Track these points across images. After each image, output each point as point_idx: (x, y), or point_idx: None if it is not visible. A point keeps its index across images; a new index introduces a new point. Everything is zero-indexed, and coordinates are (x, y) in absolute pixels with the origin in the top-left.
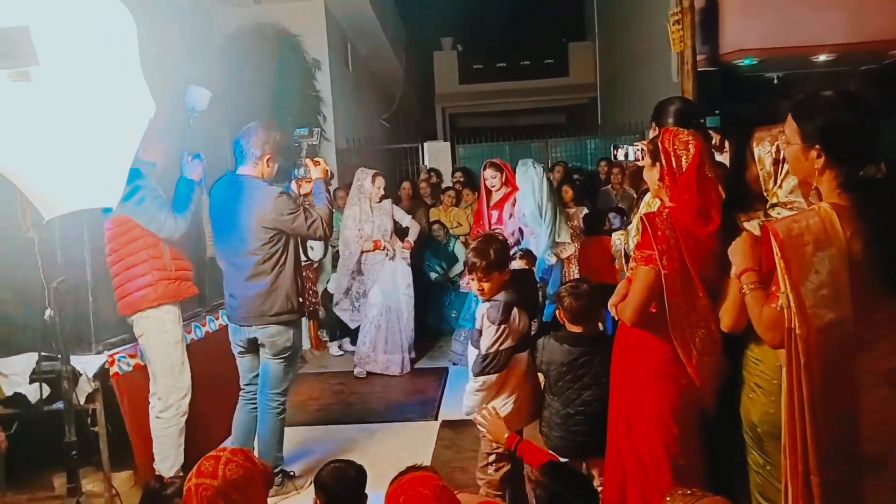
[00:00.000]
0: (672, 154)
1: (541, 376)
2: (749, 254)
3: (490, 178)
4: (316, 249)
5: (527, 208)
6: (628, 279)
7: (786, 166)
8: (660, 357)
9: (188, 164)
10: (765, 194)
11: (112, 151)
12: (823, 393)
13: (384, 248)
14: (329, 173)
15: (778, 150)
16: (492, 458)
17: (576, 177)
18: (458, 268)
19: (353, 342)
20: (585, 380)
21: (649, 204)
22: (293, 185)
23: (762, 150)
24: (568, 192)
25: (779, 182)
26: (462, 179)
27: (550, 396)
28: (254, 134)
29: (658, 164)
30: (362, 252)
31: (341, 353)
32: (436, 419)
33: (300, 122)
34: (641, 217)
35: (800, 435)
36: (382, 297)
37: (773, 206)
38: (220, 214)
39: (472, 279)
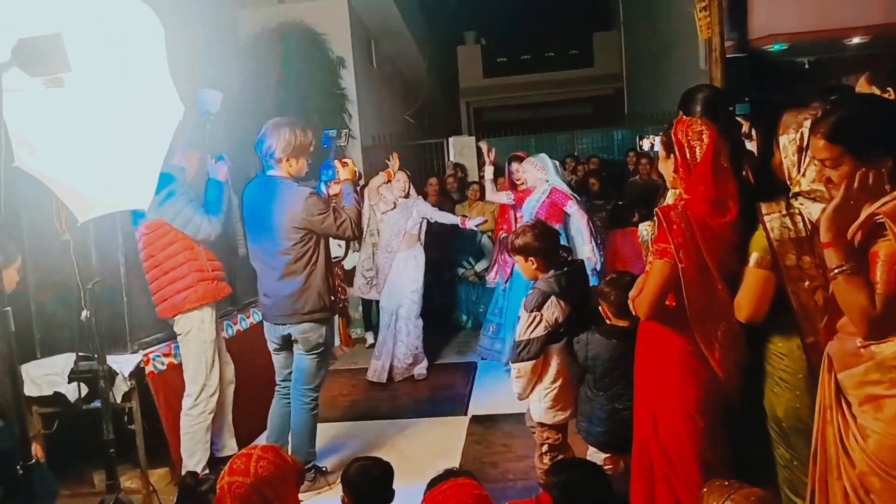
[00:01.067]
0: (686, 145)
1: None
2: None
3: (515, 171)
4: (342, 247)
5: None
6: (645, 273)
7: (809, 154)
8: (682, 351)
9: (213, 165)
10: (788, 183)
11: (143, 154)
12: None
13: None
14: (357, 174)
15: (802, 138)
16: (545, 447)
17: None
18: (485, 262)
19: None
20: (632, 374)
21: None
22: (323, 186)
23: (787, 138)
24: (595, 184)
25: (802, 171)
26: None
27: (594, 392)
28: (269, 137)
29: (672, 155)
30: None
31: (373, 343)
32: (465, 414)
33: (326, 119)
34: (656, 211)
35: None
36: (388, 300)
37: (796, 195)
38: (253, 215)
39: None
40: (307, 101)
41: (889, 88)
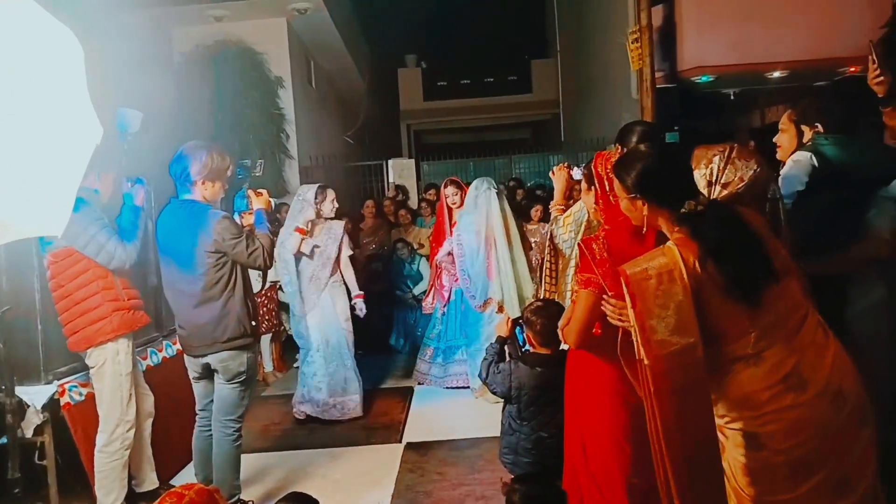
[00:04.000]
0: (605, 177)
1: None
2: None
3: (451, 195)
4: (278, 269)
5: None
6: (572, 302)
7: (717, 188)
8: (609, 378)
9: (129, 189)
10: None
11: (57, 178)
12: (679, 417)
13: (307, 235)
14: (271, 204)
15: (712, 172)
16: None
17: (539, 193)
18: (423, 286)
19: None
20: (559, 402)
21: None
22: (237, 217)
23: (698, 172)
24: (538, 212)
25: None
26: (436, 196)
27: (518, 423)
28: (185, 158)
29: (593, 187)
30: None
31: None
32: (399, 442)
33: (263, 139)
34: (578, 243)
35: (658, 460)
36: (319, 331)
37: None
38: (166, 241)
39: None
40: (243, 121)
41: (817, 124)
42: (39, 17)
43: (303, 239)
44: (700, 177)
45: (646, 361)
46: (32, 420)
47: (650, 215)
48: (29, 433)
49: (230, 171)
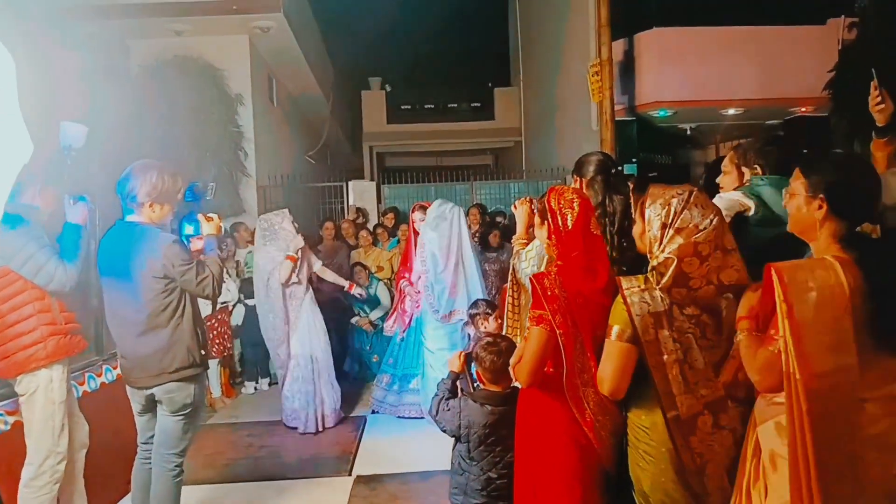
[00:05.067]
0: (558, 212)
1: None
2: (746, 305)
3: (419, 220)
4: (232, 291)
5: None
6: (524, 339)
7: (671, 231)
8: (560, 418)
9: (71, 207)
10: (648, 255)
11: None
12: (827, 439)
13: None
14: (222, 230)
15: (668, 214)
16: None
17: (499, 220)
18: (380, 311)
19: (271, 384)
20: (509, 441)
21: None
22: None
23: (653, 212)
24: (496, 237)
25: (662, 247)
26: (394, 220)
27: (468, 462)
28: (133, 178)
29: (546, 222)
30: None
31: (254, 391)
32: (349, 474)
33: (220, 157)
34: (530, 278)
35: (805, 483)
36: (300, 346)
37: (653, 268)
38: (109, 266)
39: None
40: (201, 138)
41: (756, 165)
42: None
43: (293, 267)
44: (655, 217)
45: (797, 375)
46: None
47: (822, 220)
48: None
49: (180, 193)
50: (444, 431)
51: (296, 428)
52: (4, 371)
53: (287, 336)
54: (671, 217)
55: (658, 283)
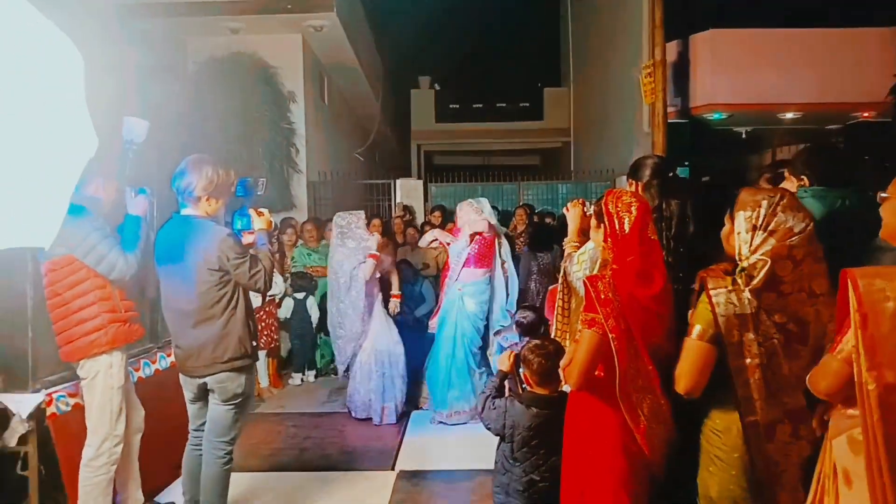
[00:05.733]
0: (615, 216)
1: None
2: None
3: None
4: (279, 285)
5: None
6: (575, 341)
7: (763, 233)
8: (611, 423)
9: (132, 199)
10: (737, 258)
11: (47, 190)
12: None
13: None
14: (272, 224)
15: (758, 216)
16: None
17: (548, 220)
18: (425, 308)
19: (317, 376)
20: (553, 445)
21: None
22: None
23: (743, 215)
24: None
25: (753, 248)
26: (441, 218)
27: (510, 462)
28: (189, 173)
29: (602, 225)
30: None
31: (301, 383)
32: (392, 469)
33: (272, 152)
34: (584, 280)
35: (881, 497)
36: (376, 342)
37: (742, 270)
38: (166, 259)
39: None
40: (253, 134)
41: (803, 176)
42: (39, 25)
43: (375, 265)
44: (744, 220)
45: (870, 386)
46: (17, 429)
47: None
48: (12, 443)
49: (233, 188)
50: (489, 429)
51: (369, 419)
52: (68, 355)
53: (362, 332)
54: (762, 219)
55: (747, 285)
